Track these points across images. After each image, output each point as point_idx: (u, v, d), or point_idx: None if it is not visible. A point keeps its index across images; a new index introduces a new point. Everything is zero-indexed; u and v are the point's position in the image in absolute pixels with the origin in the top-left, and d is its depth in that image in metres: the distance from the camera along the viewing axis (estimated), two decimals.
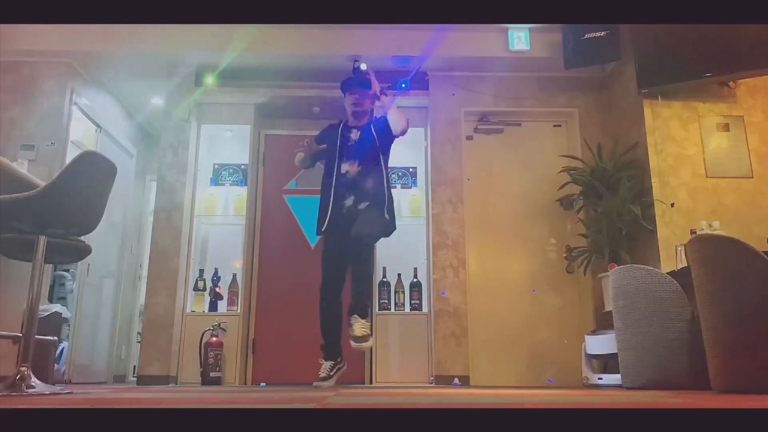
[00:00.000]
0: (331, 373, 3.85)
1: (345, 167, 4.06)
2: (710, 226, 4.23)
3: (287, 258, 5.46)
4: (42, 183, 2.50)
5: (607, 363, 4.45)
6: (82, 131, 5.35)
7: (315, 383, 3.80)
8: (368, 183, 4.04)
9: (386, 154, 4.17)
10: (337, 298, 3.94)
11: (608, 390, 3.83)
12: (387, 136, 4.16)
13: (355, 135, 4.16)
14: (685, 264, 3.83)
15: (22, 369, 2.38)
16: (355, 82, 4.32)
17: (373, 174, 4.07)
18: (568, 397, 2.27)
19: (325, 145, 4.20)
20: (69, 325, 5.27)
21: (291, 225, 5.55)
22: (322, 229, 4.00)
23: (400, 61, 5.25)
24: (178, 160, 5.22)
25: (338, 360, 3.94)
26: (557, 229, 5.27)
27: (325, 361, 3.88)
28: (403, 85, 5.30)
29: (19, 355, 2.47)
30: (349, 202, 4.00)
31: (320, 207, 4.07)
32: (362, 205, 3.98)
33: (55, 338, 4.20)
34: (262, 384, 5.14)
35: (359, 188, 4.01)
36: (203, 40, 5.10)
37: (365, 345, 3.65)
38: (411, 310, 5.17)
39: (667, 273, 3.75)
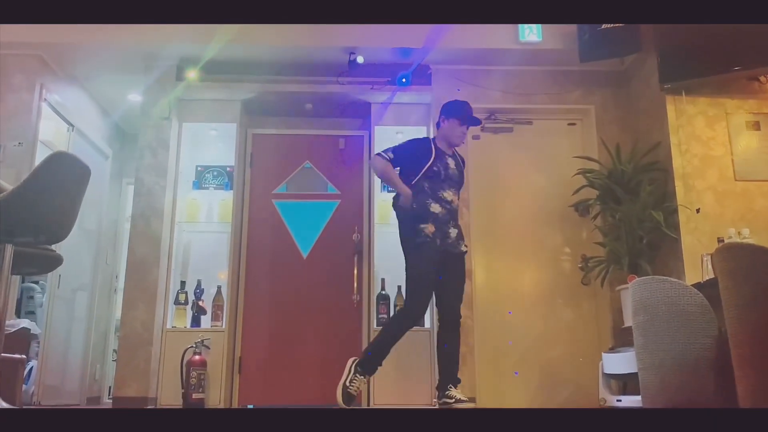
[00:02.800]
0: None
1: (449, 195, 4.23)
2: (739, 233, 4.24)
3: (277, 269, 5.47)
4: (9, 186, 2.50)
5: (626, 383, 4.45)
6: (52, 130, 5.36)
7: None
8: (459, 221, 4.33)
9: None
10: None
11: None
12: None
13: (452, 163, 4.33)
14: (711, 275, 3.83)
15: None
16: (474, 117, 4.44)
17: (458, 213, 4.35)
18: None
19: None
20: (38, 342, 5.26)
21: (281, 232, 5.55)
22: (437, 245, 4.09)
23: (401, 53, 5.26)
24: (157, 162, 5.22)
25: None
26: (572, 237, 5.28)
27: (456, 388, 4.08)
28: (404, 80, 5.32)
29: None
30: (453, 233, 4.20)
31: (418, 220, 4.12)
32: (463, 248, 4.26)
33: (23, 356, 4.20)
34: (249, 406, 5.14)
35: (458, 225, 4.28)
36: (185, 31, 5.10)
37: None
38: None
39: (692, 285, 3.75)
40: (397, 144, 4.38)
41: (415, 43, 5.16)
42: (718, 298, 3.01)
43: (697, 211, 4.53)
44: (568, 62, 5.25)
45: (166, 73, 5.37)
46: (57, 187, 2.53)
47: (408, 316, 4.06)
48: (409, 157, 4.26)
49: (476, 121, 4.44)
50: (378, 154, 4.29)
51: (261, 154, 5.72)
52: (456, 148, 4.42)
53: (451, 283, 4.17)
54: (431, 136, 4.54)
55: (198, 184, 5.58)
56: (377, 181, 5.51)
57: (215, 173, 5.61)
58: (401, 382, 4.98)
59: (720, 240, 4.23)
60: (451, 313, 4.13)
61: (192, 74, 5.31)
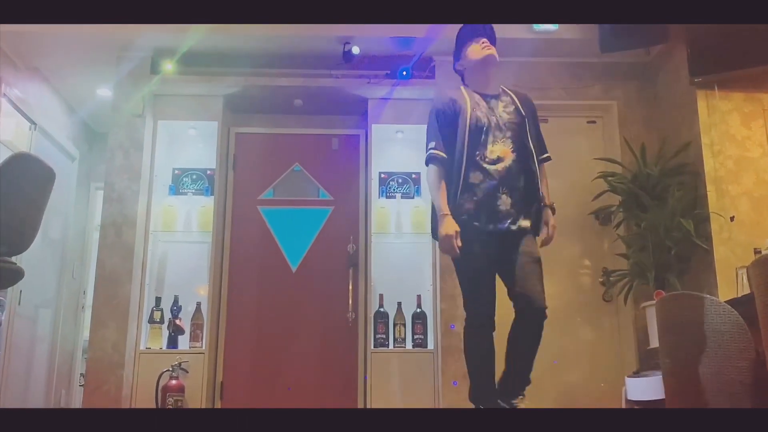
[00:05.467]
0: None
1: (496, 151, 3.45)
2: None
3: (263, 283, 5.46)
4: None
5: None
6: (12, 128, 5.35)
7: None
8: (526, 185, 3.51)
9: (537, 148, 3.65)
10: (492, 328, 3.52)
11: None
12: (537, 125, 3.73)
13: (499, 106, 3.59)
14: (747, 290, 3.83)
15: None
16: (476, 25, 3.80)
17: (529, 174, 3.52)
18: None
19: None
20: None
21: (268, 243, 5.54)
22: (479, 228, 3.40)
23: (401, 43, 5.27)
24: (129, 164, 5.22)
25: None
26: (592, 248, 5.28)
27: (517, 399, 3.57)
28: (404, 73, 5.32)
29: None
30: (504, 205, 3.42)
31: (450, 189, 3.44)
32: (524, 223, 3.47)
33: None
34: None
35: (516, 189, 3.46)
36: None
37: None
38: (413, 346, 5.16)
39: (726, 301, 3.76)
40: (428, 126, 3.70)
41: (416, 32, 5.16)
42: (755, 317, 3.02)
43: (732, 219, 4.53)
44: (587, 53, 5.26)
45: (139, 66, 5.37)
46: (18, 192, 2.54)
47: (467, 323, 3.55)
48: (446, 126, 3.58)
49: (482, 26, 3.83)
50: (426, 157, 3.59)
51: (245, 155, 5.71)
52: (514, 90, 3.79)
53: (516, 263, 3.47)
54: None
55: (175, 189, 5.57)
56: (375, 186, 5.51)
57: (194, 177, 5.61)
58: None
59: (757, 251, 4.24)
60: (523, 300, 3.45)
61: (168, 67, 5.31)
